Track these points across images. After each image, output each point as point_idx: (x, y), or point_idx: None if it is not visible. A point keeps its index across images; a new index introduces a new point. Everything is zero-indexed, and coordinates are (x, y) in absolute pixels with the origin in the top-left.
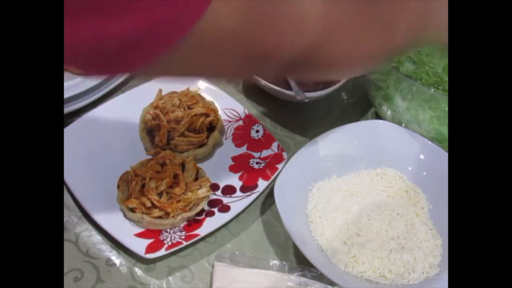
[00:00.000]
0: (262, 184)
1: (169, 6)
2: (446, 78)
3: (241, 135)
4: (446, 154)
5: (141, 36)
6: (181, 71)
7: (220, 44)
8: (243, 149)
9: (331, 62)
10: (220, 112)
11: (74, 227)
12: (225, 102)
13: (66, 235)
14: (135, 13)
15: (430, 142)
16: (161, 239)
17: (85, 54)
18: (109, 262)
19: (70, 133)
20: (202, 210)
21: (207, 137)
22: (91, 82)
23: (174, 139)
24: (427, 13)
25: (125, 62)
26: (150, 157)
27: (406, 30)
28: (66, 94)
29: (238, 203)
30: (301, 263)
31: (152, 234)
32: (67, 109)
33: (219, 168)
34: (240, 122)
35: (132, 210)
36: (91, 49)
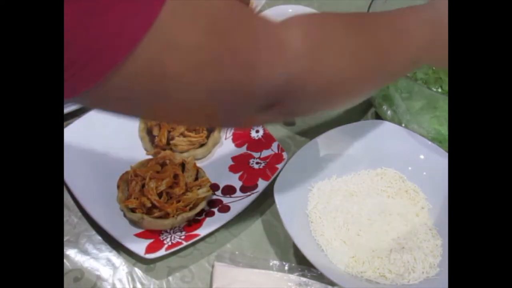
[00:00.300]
0: (262, 184)
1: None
2: (446, 78)
3: (241, 135)
4: (446, 154)
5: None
6: (116, 104)
7: (176, 72)
8: (243, 149)
9: (316, 93)
10: None
11: (74, 227)
12: None
13: (66, 235)
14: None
15: (430, 142)
16: (161, 239)
17: None
18: (109, 262)
19: (70, 133)
20: (202, 210)
21: (207, 137)
22: None
23: (174, 139)
24: (434, 41)
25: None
26: (150, 157)
27: (405, 60)
28: None
29: (238, 203)
30: (301, 263)
31: (152, 234)
32: (67, 109)
33: (219, 168)
34: None
35: (132, 210)
36: None
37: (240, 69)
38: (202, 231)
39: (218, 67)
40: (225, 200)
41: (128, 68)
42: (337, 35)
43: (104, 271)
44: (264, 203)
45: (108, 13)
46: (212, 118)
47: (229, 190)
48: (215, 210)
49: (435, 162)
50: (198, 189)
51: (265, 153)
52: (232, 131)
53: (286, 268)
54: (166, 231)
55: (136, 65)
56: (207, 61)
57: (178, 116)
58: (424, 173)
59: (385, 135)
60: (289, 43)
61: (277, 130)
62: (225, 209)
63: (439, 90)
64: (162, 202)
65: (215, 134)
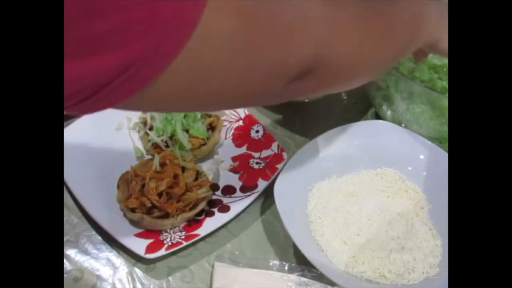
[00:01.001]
0: (262, 184)
1: (150, 31)
2: (446, 77)
3: (241, 135)
4: (446, 154)
5: (122, 70)
6: (174, 100)
7: (215, 63)
8: (243, 149)
9: (339, 66)
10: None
11: (74, 227)
12: None
13: (66, 235)
14: (112, 51)
15: (430, 142)
16: (161, 239)
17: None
18: (109, 262)
19: (70, 133)
20: (202, 210)
21: (207, 137)
22: None
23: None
24: (423, 9)
25: (102, 100)
26: (150, 157)
27: (406, 27)
28: None
29: (238, 203)
30: (301, 263)
31: (152, 234)
32: None
33: (219, 168)
34: (240, 122)
35: (132, 210)
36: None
37: (272, 45)
38: (202, 231)
39: (253, 48)
40: (225, 200)
41: (176, 64)
42: (352, 10)
43: (104, 271)
44: (264, 203)
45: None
46: (245, 99)
47: (229, 190)
48: (215, 210)
49: (435, 162)
50: (198, 189)
51: (265, 153)
52: (232, 131)
53: (286, 268)
54: (166, 231)
55: (182, 61)
56: (242, 45)
57: (212, 105)
58: (424, 173)
59: (385, 135)
60: (311, 14)
61: (277, 130)
62: (225, 209)
63: (439, 90)
64: (162, 202)
65: (215, 134)
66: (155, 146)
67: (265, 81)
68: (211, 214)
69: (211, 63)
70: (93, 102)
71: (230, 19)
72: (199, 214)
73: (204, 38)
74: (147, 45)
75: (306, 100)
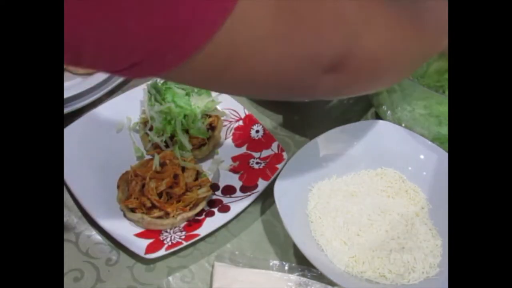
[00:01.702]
0: (262, 184)
1: (191, 8)
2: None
3: (241, 135)
4: (446, 154)
5: (162, 39)
6: (206, 80)
7: (249, 45)
8: (243, 149)
9: (368, 60)
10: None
11: (74, 227)
12: (225, 102)
13: (66, 235)
14: (159, 12)
15: (430, 142)
16: (161, 239)
17: (98, 46)
18: (109, 262)
19: (70, 133)
20: (202, 210)
21: (207, 137)
22: (91, 82)
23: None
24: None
25: (144, 67)
26: (150, 157)
27: (435, 27)
28: (66, 94)
29: (238, 203)
30: (301, 263)
31: (152, 234)
32: (67, 109)
33: (219, 168)
34: (240, 122)
35: (132, 210)
36: (106, 42)
37: (307, 36)
38: (202, 231)
39: (288, 37)
40: (225, 200)
41: (208, 48)
42: (383, 7)
43: (104, 271)
44: (264, 203)
45: None
46: (278, 87)
47: (229, 190)
48: (215, 210)
49: (435, 162)
50: (198, 189)
51: (265, 153)
52: (232, 131)
53: (286, 268)
54: (166, 231)
55: (216, 45)
56: (278, 32)
57: (245, 89)
58: (424, 173)
59: (385, 135)
60: (345, 10)
61: (277, 130)
62: (225, 209)
63: (439, 89)
64: (162, 202)
65: (215, 134)
66: (155, 146)
67: (298, 71)
68: (211, 214)
69: (246, 44)
70: (143, 67)
71: (268, 4)
72: (199, 214)
73: (241, 17)
74: (189, 16)
75: (306, 100)
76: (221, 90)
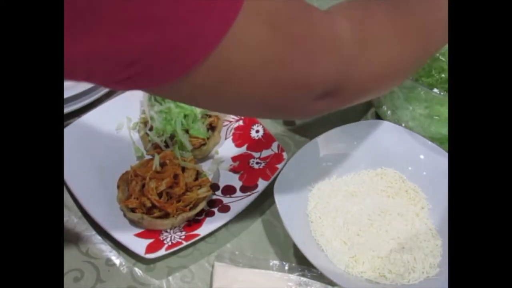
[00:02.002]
0: (262, 184)
1: (187, 25)
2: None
3: (241, 135)
4: (446, 154)
5: (155, 55)
6: (199, 98)
7: (243, 67)
8: (243, 149)
9: (365, 86)
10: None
11: (74, 227)
12: None
13: (66, 235)
14: (153, 28)
15: (430, 142)
16: (161, 239)
17: (92, 67)
18: (109, 262)
19: (70, 133)
20: (202, 210)
21: (207, 137)
22: None
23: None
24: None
25: (150, 77)
26: (150, 157)
27: (441, 28)
28: (66, 94)
29: (238, 203)
30: (301, 263)
31: (152, 234)
32: (67, 109)
33: (219, 168)
34: (240, 122)
35: (132, 210)
36: (101, 62)
37: (301, 61)
38: (202, 231)
39: (282, 61)
40: (225, 200)
41: (205, 65)
42: (381, 21)
43: (104, 271)
44: (264, 203)
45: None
46: (270, 109)
47: (229, 190)
48: (215, 210)
49: (435, 162)
50: (198, 189)
51: (265, 153)
52: (232, 131)
53: (286, 268)
54: (166, 231)
55: (211, 64)
56: (271, 56)
57: (238, 109)
58: (424, 173)
59: (385, 135)
60: (340, 35)
61: (277, 130)
62: (225, 209)
63: (440, 89)
64: (162, 202)
65: (215, 134)
66: (155, 146)
67: (290, 95)
68: (211, 214)
69: (240, 66)
70: (140, 80)
71: (263, 28)
72: (199, 214)
73: (236, 38)
74: (188, 34)
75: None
76: (215, 109)
